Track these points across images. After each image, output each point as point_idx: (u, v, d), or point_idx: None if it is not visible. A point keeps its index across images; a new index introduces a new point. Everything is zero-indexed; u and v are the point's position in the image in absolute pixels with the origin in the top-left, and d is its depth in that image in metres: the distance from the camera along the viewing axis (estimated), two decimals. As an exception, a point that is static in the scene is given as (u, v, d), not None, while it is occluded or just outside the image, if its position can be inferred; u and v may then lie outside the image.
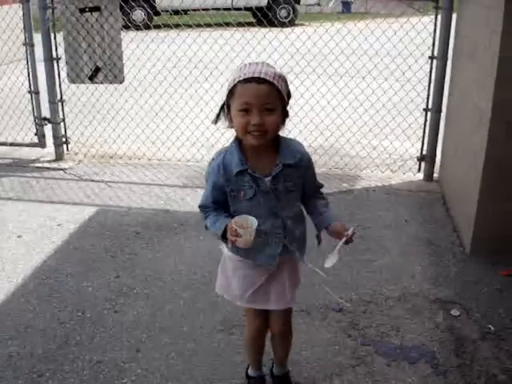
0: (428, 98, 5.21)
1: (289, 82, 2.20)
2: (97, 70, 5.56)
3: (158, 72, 6.54)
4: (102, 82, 5.67)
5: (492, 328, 3.19)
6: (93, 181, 5.32)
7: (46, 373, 2.84)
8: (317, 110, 6.29)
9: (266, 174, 2.18)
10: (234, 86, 2.07)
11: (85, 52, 5.52)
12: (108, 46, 5.51)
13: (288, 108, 2.18)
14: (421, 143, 5.39)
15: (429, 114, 5.22)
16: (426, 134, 5.30)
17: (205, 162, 5.75)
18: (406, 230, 4.35)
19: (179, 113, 6.43)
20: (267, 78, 2.04)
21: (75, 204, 4.80)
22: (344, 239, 2.22)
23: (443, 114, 5.20)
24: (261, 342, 2.61)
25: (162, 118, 6.27)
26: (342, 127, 5.84)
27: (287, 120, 2.21)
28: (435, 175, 5.36)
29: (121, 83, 5.71)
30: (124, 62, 5.61)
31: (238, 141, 2.20)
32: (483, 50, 3.82)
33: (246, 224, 2.10)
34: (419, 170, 5.45)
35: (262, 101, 2.04)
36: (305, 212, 2.39)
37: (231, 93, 2.10)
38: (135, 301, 3.43)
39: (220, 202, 2.25)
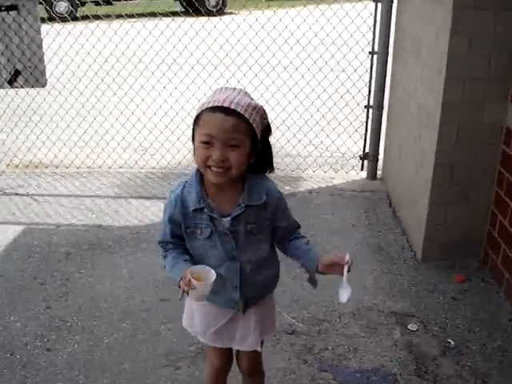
0: (369, 95, 5.04)
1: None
2: (16, 73, 5.17)
3: (84, 74, 6.12)
4: (22, 86, 5.28)
5: (452, 342, 3.05)
6: (17, 194, 4.92)
7: (-30, 434, 2.51)
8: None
9: (225, 214, 1.91)
10: (201, 113, 1.81)
11: (2, 54, 5.11)
12: (28, 47, 5.12)
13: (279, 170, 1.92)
14: (363, 141, 5.24)
15: (370, 111, 5.07)
16: (369, 132, 5.15)
17: (138, 168, 5.45)
18: (353, 236, 4.17)
19: (108, 117, 6.05)
20: (238, 108, 1.76)
21: (-2, 223, 4.40)
22: (346, 267, 1.92)
23: (386, 111, 5.05)
24: (221, 382, 2.40)
25: (89, 122, 5.89)
26: (282, 127, 5.61)
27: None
28: (378, 173, 5.23)
29: (43, 87, 5.34)
30: (46, 63, 5.22)
31: (200, 172, 1.93)
32: (429, 47, 3.66)
33: (205, 276, 1.83)
34: (362, 168, 5.31)
35: (226, 135, 1.77)
36: (278, 255, 2.15)
37: (196, 120, 1.84)
38: (69, 335, 3.11)
39: (180, 236, 1.99)
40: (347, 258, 1.91)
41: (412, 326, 3.18)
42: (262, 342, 2.22)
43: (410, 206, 4.09)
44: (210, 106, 1.78)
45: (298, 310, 3.30)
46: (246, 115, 1.78)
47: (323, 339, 3.07)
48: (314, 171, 5.37)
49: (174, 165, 5.56)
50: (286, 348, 3.00)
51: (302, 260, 2.06)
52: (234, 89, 1.86)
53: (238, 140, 1.78)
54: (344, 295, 1.94)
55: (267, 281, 2.11)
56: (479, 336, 3.09)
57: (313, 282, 2.09)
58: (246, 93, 1.86)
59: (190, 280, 1.78)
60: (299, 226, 2.12)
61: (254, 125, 1.81)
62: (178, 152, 5.60)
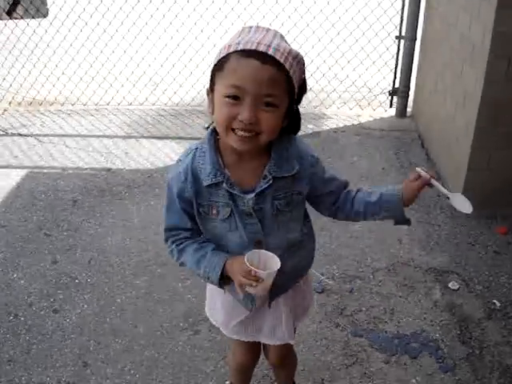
0: (401, 25, 4.68)
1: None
2: (15, 3, 4.87)
3: (88, 2, 5.71)
4: (22, 17, 4.97)
5: (497, 304, 2.80)
6: (20, 135, 4.62)
7: (-28, 406, 2.29)
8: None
9: (248, 189, 1.51)
10: (226, 56, 1.36)
11: (-2, -19, 4.73)
12: (26, -27, 4.74)
13: (301, 107, 1.48)
14: (393, 75, 4.88)
15: (402, 42, 4.71)
16: (399, 65, 4.82)
17: (148, 105, 5.12)
18: (384, 181, 3.87)
19: (116, 49, 5.69)
20: (277, 56, 1.33)
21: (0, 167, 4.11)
22: (433, 179, 1.51)
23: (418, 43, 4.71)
24: (245, 376, 2.12)
25: (96, 55, 5.53)
26: (305, 59, 5.19)
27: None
28: (408, 110, 4.89)
29: (45, 17, 5.03)
30: (47, -9, 4.84)
31: (214, 134, 1.52)
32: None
33: (259, 261, 1.49)
34: (391, 105, 4.98)
35: (260, 89, 1.34)
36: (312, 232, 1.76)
37: (220, 65, 1.39)
38: (78, 294, 2.87)
39: (194, 220, 1.59)
40: (423, 173, 1.52)
41: (453, 285, 2.91)
42: (295, 330, 1.85)
43: (448, 149, 3.74)
44: (240, 48, 1.34)
45: (328, 265, 3.05)
46: (287, 65, 1.35)
47: (356, 299, 2.82)
48: (338, 108, 5.09)
49: (187, 101, 5.27)
50: (316, 309, 2.75)
51: (382, 213, 1.62)
52: (268, 29, 1.40)
53: (276, 98, 1.37)
54: (462, 204, 1.55)
55: (301, 264, 1.73)
56: (528, 296, 2.83)
57: (406, 220, 1.64)
58: (282, 36, 1.42)
59: (255, 273, 1.43)
60: (347, 183, 1.68)
61: (294, 79, 1.39)
62: (191, 87, 5.28)
